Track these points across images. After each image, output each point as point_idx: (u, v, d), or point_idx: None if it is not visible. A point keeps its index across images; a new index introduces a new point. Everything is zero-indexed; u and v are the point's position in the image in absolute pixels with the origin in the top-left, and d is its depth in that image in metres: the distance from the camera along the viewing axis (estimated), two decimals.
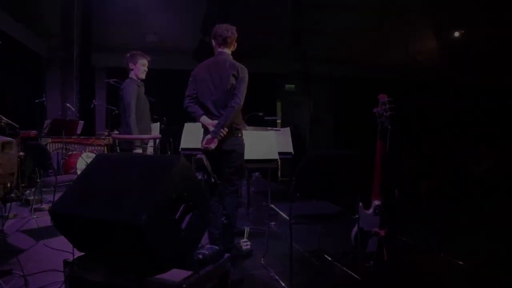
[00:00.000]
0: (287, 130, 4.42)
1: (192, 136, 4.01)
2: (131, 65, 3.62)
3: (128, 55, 3.66)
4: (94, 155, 5.66)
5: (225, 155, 2.77)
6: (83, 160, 5.45)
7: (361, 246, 2.63)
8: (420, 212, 4.54)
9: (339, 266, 2.80)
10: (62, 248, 2.81)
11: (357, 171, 2.49)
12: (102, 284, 1.92)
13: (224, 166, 2.77)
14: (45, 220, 3.79)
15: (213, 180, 2.35)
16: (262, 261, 2.93)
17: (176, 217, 1.91)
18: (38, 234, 3.39)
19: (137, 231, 1.72)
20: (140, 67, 3.62)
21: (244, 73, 2.81)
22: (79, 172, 5.48)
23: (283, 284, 2.53)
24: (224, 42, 2.87)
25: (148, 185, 1.87)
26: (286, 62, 8.30)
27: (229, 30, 2.89)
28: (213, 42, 2.94)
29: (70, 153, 5.67)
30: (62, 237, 3.25)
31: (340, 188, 2.40)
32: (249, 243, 3.15)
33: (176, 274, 1.84)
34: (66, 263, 2.00)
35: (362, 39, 7.49)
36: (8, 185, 2.14)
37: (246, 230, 3.54)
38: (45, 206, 4.27)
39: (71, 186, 2.08)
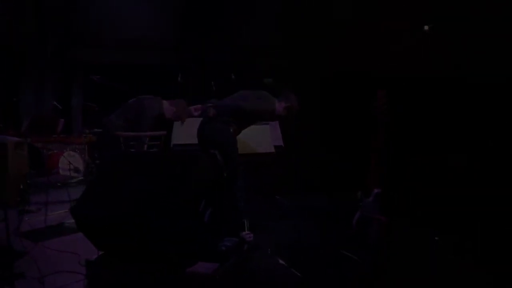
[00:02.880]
0: (276, 123, 4.48)
1: (184, 131, 3.92)
2: None
3: None
4: (76, 154, 5.55)
5: (210, 142, 3.05)
6: (65, 159, 5.29)
7: (363, 232, 2.79)
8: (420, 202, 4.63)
9: (341, 251, 2.94)
10: (61, 249, 2.78)
11: (354, 163, 2.63)
12: (127, 283, 1.95)
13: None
14: (38, 221, 3.69)
15: (225, 175, 2.42)
16: (269, 252, 3.02)
17: (199, 210, 1.97)
18: (34, 236, 3.30)
19: (164, 229, 1.77)
20: None
21: (268, 101, 3.27)
22: (61, 171, 5.32)
23: (294, 271, 2.62)
24: None
25: (171, 184, 1.91)
26: (271, 58, 8.32)
27: None
28: None
29: (50, 152, 5.47)
30: (59, 238, 3.22)
31: (338, 179, 2.55)
32: (251, 235, 3.22)
33: (202, 267, 1.90)
34: (88, 262, 2.00)
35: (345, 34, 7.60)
36: (21, 187, 2.11)
37: (246, 222, 3.61)
38: (33, 208, 4.14)
39: (90, 187, 2.08)
